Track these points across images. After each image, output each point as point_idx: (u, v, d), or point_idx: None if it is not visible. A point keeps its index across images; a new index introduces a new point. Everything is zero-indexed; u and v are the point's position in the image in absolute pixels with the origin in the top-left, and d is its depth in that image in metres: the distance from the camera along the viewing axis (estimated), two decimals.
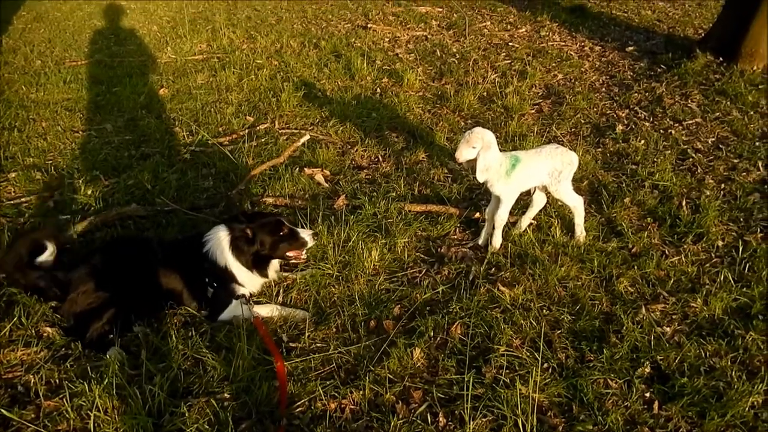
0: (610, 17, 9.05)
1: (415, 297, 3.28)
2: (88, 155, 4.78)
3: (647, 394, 2.63)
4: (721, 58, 6.47)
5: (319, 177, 4.44)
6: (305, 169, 4.54)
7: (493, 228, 3.62)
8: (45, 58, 7.34)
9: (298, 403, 2.63)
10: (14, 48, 7.86)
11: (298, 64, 6.98)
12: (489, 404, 2.58)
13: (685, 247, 3.62)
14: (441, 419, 2.55)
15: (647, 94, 6.00)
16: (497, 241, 3.64)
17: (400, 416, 2.56)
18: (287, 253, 3.25)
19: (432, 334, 2.99)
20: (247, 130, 5.23)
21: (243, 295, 3.19)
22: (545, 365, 2.80)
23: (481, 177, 3.40)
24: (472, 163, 3.44)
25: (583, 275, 3.39)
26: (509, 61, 7.11)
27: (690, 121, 5.35)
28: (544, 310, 3.14)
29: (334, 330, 3.06)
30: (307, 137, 4.90)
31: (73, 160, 4.64)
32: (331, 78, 6.56)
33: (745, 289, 3.21)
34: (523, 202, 3.87)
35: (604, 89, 6.26)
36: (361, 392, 2.67)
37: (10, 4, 9.94)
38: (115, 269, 3.12)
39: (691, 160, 4.68)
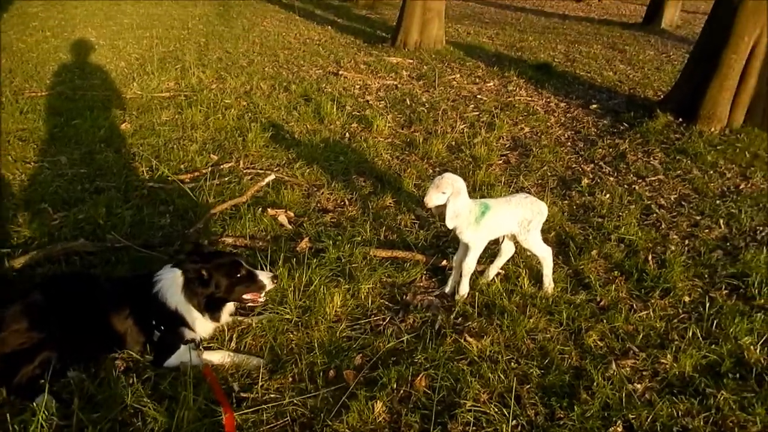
0: (574, 76, 9.36)
1: (378, 346, 3.10)
2: (37, 187, 4.53)
3: None
4: (680, 119, 6.69)
5: (282, 218, 4.29)
6: (268, 209, 4.38)
7: (461, 276, 3.52)
8: (3, 88, 7.09)
9: None
10: None
11: (267, 105, 6.91)
12: None
13: (652, 301, 3.56)
14: None
15: (611, 149, 6.12)
16: (464, 289, 3.53)
17: None
18: (244, 296, 3.06)
19: (395, 386, 2.81)
20: (210, 168, 5.06)
21: (192, 340, 2.97)
22: (514, 422, 2.65)
23: (450, 223, 3.31)
24: (441, 210, 3.35)
25: (551, 327, 3.29)
26: (477, 113, 7.20)
27: (653, 178, 5.43)
28: (513, 363, 3.01)
29: (290, 380, 2.85)
30: (272, 177, 4.77)
31: (20, 191, 4.38)
32: (300, 120, 6.50)
33: (713, 346, 3.14)
34: (491, 251, 3.79)
35: (569, 143, 6.36)
36: None
37: None
38: (53, 307, 2.86)
39: (655, 215, 4.71)
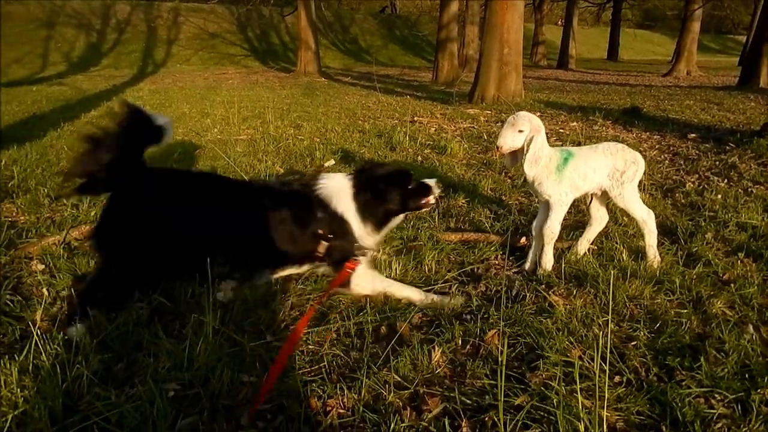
0: (666, 118, 8.71)
1: (442, 308, 2.58)
2: None
3: None
4: None
5: None
6: None
7: (543, 246, 2.96)
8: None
9: (266, 400, 1.91)
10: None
11: (341, 141, 6.82)
12: (534, 415, 1.80)
13: None
14: (464, 428, 1.77)
15: (718, 163, 5.40)
16: (548, 261, 2.95)
17: (406, 422, 1.79)
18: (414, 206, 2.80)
19: (460, 342, 2.27)
20: (275, 177, 4.89)
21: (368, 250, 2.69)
22: (618, 378, 2.01)
23: (529, 169, 2.82)
24: (516, 157, 2.90)
25: (660, 296, 2.62)
26: (560, 143, 6.72)
27: None
28: (613, 326, 2.37)
29: (334, 335, 2.38)
30: (332, 162, 4.50)
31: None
32: (371, 149, 6.30)
33: None
34: (576, 222, 3.22)
35: (667, 161, 5.70)
36: (355, 394, 1.93)
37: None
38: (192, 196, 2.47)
39: None
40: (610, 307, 2.16)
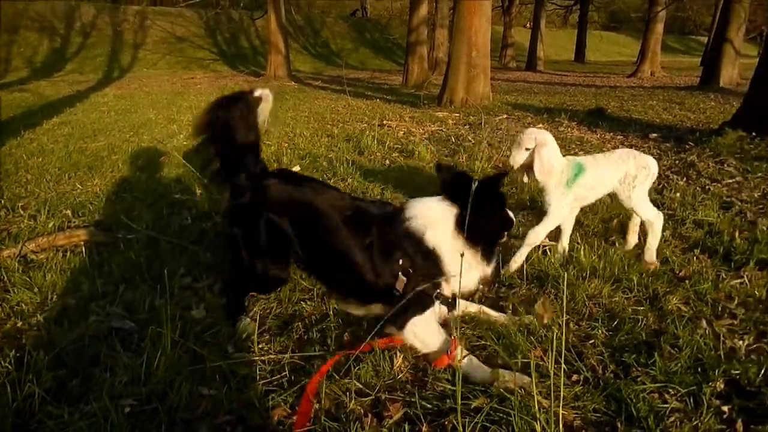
0: (629, 119, 8.90)
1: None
2: (63, 198, 4.41)
3: (725, 409, 1.83)
4: (754, 133, 6.05)
5: None
6: None
7: (522, 246, 3.00)
8: (57, 144, 7.30)
9: (226, 412, 1.89)
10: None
11: (309, 145, 6.79)
12: (492, 417, 1.81)
13: (747, 273, 2.90)
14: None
15: (677, 162, 5.53)
16: (517, 263, 2.99)
17: (367, 429, 1.80)
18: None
19: None
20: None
21: (450, 297, 2.26)
22: (576, 377, 2.04)
23: (541, 177, 2.90)
24: (526, 170, 2.97)
25: (618, 294, 2.68)
26: None
27: (730, 180, 4.79)
28: (572, 325, 2.41)
29: (297, 343, 2.36)
30: (297, 168, 4.49)
31: (44, 202, 4.24)
32: (340, 153, 6.29)
33: None
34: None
35: None
36: (317, 403, 1.93)
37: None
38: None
39: (737, 207, 4.05)
40: (565, 307, 2.19)
